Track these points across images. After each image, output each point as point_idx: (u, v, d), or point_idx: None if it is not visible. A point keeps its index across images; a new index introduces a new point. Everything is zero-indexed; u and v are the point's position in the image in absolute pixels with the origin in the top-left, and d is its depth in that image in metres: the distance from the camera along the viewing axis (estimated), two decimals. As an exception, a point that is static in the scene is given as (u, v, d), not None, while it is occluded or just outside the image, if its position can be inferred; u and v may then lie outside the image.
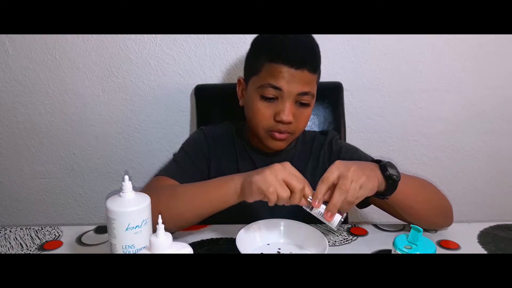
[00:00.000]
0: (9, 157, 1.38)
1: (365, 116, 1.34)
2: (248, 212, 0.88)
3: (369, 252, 0.81)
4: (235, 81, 0.97)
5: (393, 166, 0.76)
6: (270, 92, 0.84)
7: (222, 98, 1.19)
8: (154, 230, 0.57)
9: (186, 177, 0.87)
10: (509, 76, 1.30)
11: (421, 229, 0.63)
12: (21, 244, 0.84)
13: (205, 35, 1.24)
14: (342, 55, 1.27)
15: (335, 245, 0.83)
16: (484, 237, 0.87)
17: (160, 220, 0.56)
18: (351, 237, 0.87)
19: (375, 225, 0.92)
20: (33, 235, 0.87)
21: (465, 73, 1.29)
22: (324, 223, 0.72)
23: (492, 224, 0.92)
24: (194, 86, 1.24)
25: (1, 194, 1.43)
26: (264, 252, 0.79)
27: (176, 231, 0.84)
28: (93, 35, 1.24)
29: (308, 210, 0.72)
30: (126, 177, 0.66)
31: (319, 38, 0.90)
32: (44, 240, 0.85)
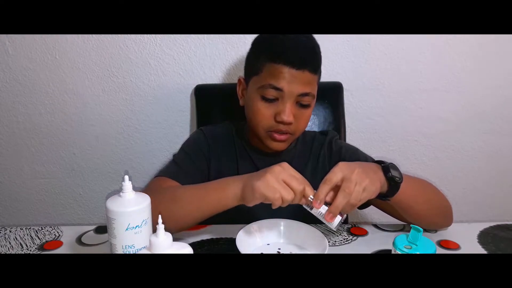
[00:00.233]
0: (9, 157, 1.38)
1: (365, 116, 1.34)
2: (247, 212, 0.88)
3: (369, 252, 0.81)
4: (235, 81, 0.97)
5: (395, 168, 0.76)
6: (271, 93, 0.84)
7: (222, 98, 1.19)
8: (154, 230, 0.57)
9: (186, 177, 0.87)
10: (509, 76, 1.30)
11: (421, 229, 0.63)
12: (21, 244, 0.84)
13: (205, 35, 1.24)
14: (342, 55, 1.27)
15: (335, 245, 0.83)
16: (484, 237, 0.87)
17: (160, 220, 0.56)
18: (351, 237, 0.87)
19: (375, 225, 0.92)
20: (33, 235, 0.87)
21: (465, 73, 1.29)
22: (324, 223, 0.72)
23: (492, 224, 0.92)
24: (194, 86, 1.24)
25: (1, 194, 1.43)
26: (264, 252, 0.79)
27: (175, 233, 0.84)
28: (93, 35, 1.24)
29: (307, 209, 0.72)
30: (126, 177, 0.66)
31: (319, 38, 0.90)
32: (44, 240, 0.85)
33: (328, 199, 0.70)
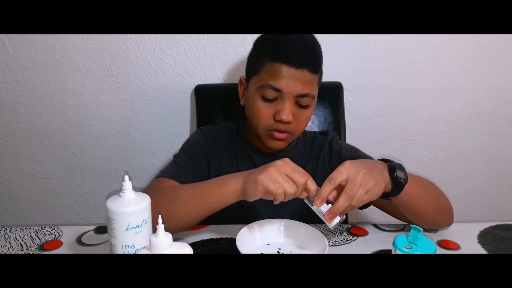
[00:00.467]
0: (9, 157, 1.38)
1: (365, 116, 1.34)
2: (248, 212, 0.88)
3: (369, 252, 0.81)
4: (235, 81, 0.97)
5: (402, 168, 0.76)
6: (270, 94, 0.84)
7: (222, 98, 1.19)
8: (155, 230, 0.57)
9: (187, 177, 0.87)
10: (509, 76, 1.30)
11: (421, 229, 0.63)
12: (21, 244, 0.84)
13: (205, 35, 1.24)
14: (342, 55, 1.27)
15: (335, 245, 0.83)
16: (484, 237, 0.87)
17: (160, 220, 0.56)
18: (351, 237, 0.87)
19: (375, 225, 0.92)
20: (33, 235, 0.87)
21: (465, 73, 1.29)
22: (322, 221, 0.72)
23: (492, 224, 0.92)
24: (194, 86, 1.24)
25: (1, 194, 1.43)
26: (264, 252, 0.79)
27: (176, 233, 0.84)
28: (93, 35, 1.24)
29: (308, 203, 0.72)
30: (126, 177, 0.66)
31: (319, 38, 0.90)
32: (44, 240, 0.85)
33: (330, 197, 0.70)
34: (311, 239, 0.80)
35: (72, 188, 1.42)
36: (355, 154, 0.96)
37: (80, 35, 1.24)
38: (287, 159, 0.72)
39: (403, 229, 0.90)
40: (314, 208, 0.71)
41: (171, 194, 0.80)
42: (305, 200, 0.72)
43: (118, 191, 0.67)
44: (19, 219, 1.46)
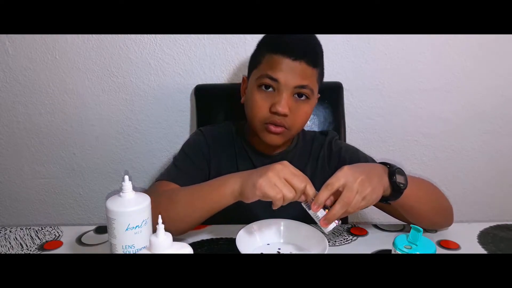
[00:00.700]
0: (9, 157, 1.38)
1: (365, 116, 1.33)
2: (247, 212, 0.88)
3: (369, 252, 0.81)
4: (235, 81, 0.98)
5: (402, 173, 0.76)
6: (267, 82, 0.84)
7: (222, 98, 1.19)
8: (155, 231, 0.57)
9: (187, 179, 0.87)
10: (509, 76, 1.30)
11: (421, 229, 0.63)
12: (21, 244, 0.84)
13: (205, 35, 1.24)
14: (342, 55, 1.27)
15: (335, 245, 0.83)
16: (484, 237, 0.87)
17: (160, 220, 0.56)
18: (351, 237, 0.87)
19: (375, 225, 0.92)
20: (33, 235, 0.87)
21: (465, 73, 1.29)
22: (318, 225, 0.72)
23: (492, 224, 0.92)
24: (194, 86, 1.24)
25: (1, 194, 1.43)
26: (264, 252, 0.79)
27: (177, 235, 0.84)
28: (93, 35, 1.24)
29: (305, 207, 0.72)
30: (126, 177, 0.66)
31: (319, 38, 0.90)
32: (44, 240, 0.85)
33: (328, 202, 0.70)
34: (311, 239, 0.80)
35: (72, 188, 1.42)
36: (355, 155, 0.96)
37: (80, 35, 1.24)
38: (286, 163, 0.71)
39: (403, 229, 0.90)
40: (310, 212, 0.71)
41: (171, 197, 0.80)
42: (303, 204, 0.72)
43: (118, 191, 0.67)
44: (19, 219, 1.46)
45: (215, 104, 1.20)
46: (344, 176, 0.69)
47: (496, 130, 1.36)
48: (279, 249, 0.81)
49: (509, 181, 1.42)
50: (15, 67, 1.27)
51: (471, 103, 1.32)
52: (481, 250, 0.82)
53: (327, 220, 0.69)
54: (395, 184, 0.73)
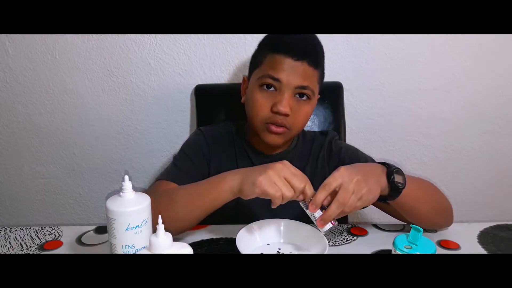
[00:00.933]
0: (9, 157, 1.38)
1: (365, 116, 1.34)
2: (247, 211, 0.88)
3: (369, 252, 0.81)
4: (235, 81, 0.98)
5: (400, 173, 0.76)
6: (269, 81, 0.84)
7: (222, 98, 1.19)
8: (155, 231, 0.57)
9: (187, 178, 0.87)
10: (509, 76, 1.30)
11: (421, 229, 0.63)
12: (21, 244, 0.84)
13: (205, 35, 1.24)
14: (342, 55, 1.27)
15: (335, 245, 0.83)
16: (484, 237, 0.87)
17: (160, 220, 0.56)
18: (351, 237, 0.87)
19: (375, 225, 0.92)
20: (33, 235, 0.87)
21: (465, 73, 1.29)
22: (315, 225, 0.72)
23: (492, 224, 0.92)
24: (194, 86, 1.24)
25: (1, 194, 1.43)
26: (264, 252, 0.79)
27: (177, 235, 0.84)
28: (93, 35, 1.24)
29: (303, 206, 0.72)
30: (126, 177, 0.66)
31: (319, 38, 0.90)
32: (44, 240, 0.85)
33: (325, 202, 0.70)
34: (311, 239, 0.80)
35: (72, 188, 1.42)
36: (355, 155, 0.96)
37: (80, 35, 1.24)
38: (286, 162, 0.71)
39: (403, 229, 0.90)
40: (308, 212, 0.71)
41: (171, 197, 0.80)
42: (301, 203, 0.72)
43: (118, 191, 0.67)
44: (19, 219, 1.46)
45: (215, 104, 1.20)
46: (340, 176, 0.69)
47: (496, 130, 1.36)
48: (279, 249, 0.81)
49: (509, 181, 1.42)
50: (15, 67, 1.27)
51: (471, 103, 1.32)
52: (481, 250, 0.82)
53: (323, 220, 0.69)
54: (393, 184, 0.73)
